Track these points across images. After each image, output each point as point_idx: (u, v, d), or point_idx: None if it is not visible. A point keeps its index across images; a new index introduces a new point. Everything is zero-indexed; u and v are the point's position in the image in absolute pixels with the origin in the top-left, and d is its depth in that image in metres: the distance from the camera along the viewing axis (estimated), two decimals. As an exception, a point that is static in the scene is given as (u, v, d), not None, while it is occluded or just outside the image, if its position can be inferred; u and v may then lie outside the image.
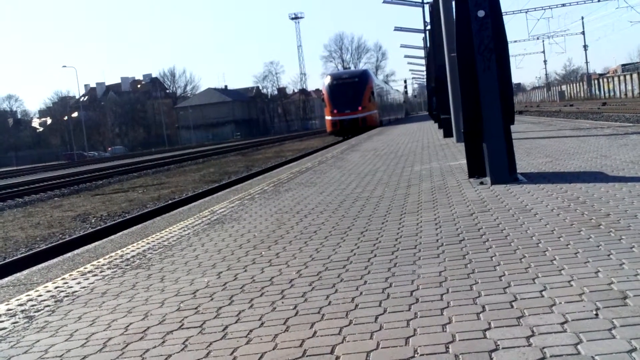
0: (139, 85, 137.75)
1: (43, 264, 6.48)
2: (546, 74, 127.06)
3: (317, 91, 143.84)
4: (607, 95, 79.68)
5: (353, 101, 44.06)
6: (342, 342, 3.00)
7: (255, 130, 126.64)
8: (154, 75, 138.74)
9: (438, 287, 3.69)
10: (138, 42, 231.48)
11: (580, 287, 3.38)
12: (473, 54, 7.85)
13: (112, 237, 7.94)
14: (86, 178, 29.72)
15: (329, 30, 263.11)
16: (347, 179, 10.71)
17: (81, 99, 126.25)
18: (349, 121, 43.79)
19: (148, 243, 6.49)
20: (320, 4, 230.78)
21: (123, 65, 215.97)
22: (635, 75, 72.77)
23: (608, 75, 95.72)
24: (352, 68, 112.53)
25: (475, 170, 8.48)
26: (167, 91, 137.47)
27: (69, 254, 6.90)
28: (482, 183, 7.99)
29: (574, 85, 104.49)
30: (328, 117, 45.22)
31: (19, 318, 4.11)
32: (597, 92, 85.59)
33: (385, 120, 54.73)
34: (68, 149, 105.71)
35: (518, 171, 8.24)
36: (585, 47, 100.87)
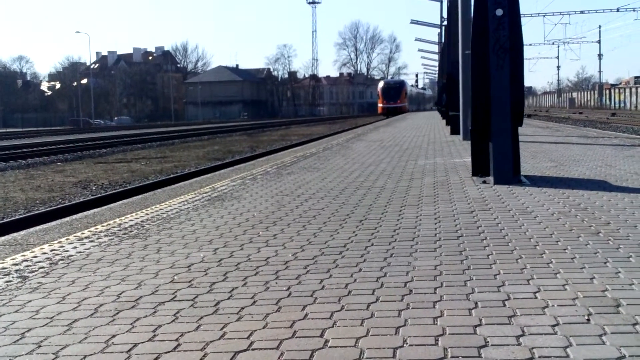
0: (150, 57, 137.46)
1: (40, 226, 6.47)
2: (558, 80, 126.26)
3: (328, 77, 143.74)
4: (617, 106, 79.47)
5: (395, 97, 75.67)
6: (333, 326, 3.01)
7: (262, 111, 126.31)
8: (166, 49, 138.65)
9: (432, 281, 3.69)
10: (152, 13, 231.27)
11: (575, 292, 3.38)
12: (487, 53, 7.82)
13: (112, 205, 7.95)
14: (90, 145, 29.70)
15: (344, 17, 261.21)
16: (350, 167, 10.70)
17: (92, 66, 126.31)
18: (392, 108, 73.86)
19: (147, 214, 6.50)
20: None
21: (136, 36, 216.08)
22: (647, 88, 72.59)
23: (620, 86, 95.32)
24: (366, 59, 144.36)
25: (479, 168, 8.47)
26: (178, 65, 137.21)
27: (68, 219, 6.90)
28: (485, 182, 7.98)
29: (585, 93, 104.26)
30: (380, 105, 77.33)
31: (13, 277, 4.12)
32: (608, 102, 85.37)
33: (413, 109, 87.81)
34: (75, 115, 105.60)
35: (522, 173, 8.23)
36: (600, 56, 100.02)
